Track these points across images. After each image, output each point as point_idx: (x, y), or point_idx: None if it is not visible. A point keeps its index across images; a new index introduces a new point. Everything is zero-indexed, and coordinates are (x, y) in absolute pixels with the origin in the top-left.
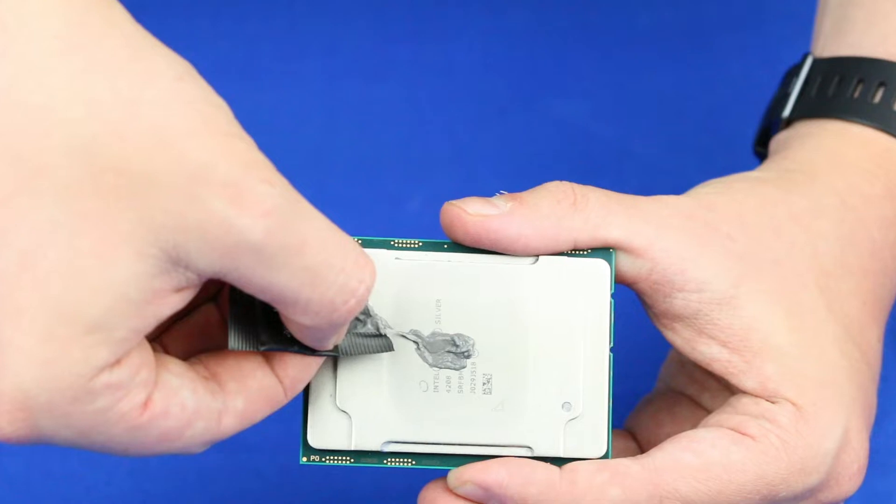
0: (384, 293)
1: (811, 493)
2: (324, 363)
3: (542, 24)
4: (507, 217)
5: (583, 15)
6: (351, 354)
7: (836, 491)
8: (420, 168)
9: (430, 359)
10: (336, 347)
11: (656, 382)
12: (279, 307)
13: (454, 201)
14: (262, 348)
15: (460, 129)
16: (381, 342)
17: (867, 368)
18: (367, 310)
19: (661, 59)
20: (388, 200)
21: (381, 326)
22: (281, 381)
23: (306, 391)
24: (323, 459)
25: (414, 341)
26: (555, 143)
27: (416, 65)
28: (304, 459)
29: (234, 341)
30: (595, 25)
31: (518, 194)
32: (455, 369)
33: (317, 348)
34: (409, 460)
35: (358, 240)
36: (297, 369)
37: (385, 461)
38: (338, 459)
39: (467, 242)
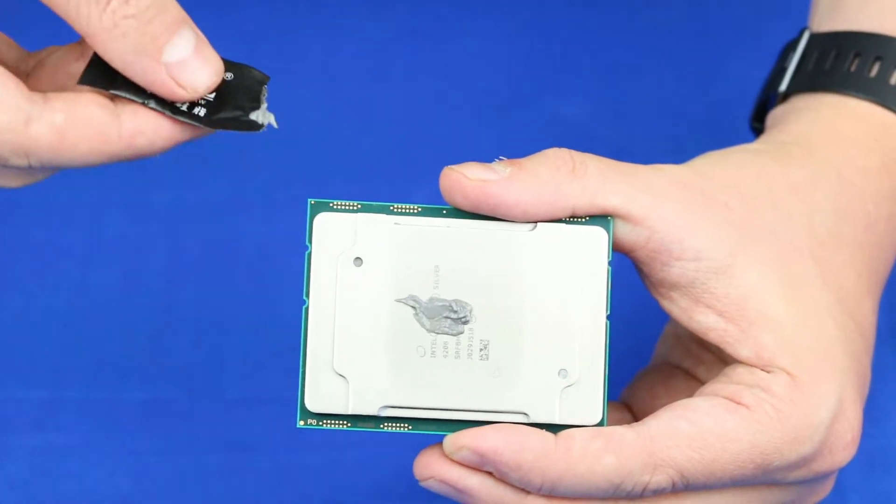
0: (383, 258)
1: (805, 462)
2: (320, 326)
3: (542, 24)
4: (506, 182)
5: (583, 15)
6: (214, 128)
7: (829, 460)
8: (420, 168)
9: (427, 324)
10: (199, 118)
11: (652, 357)
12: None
13: (454, 166)
14: (112, 90)
15: (460, 129)
16: (250, 124)
17: (861, 339)
18: (259, 98)
19: (661, 59)
20: (388, 200)
21: (258, 114)
22: (121, 127)
23: (304, 355)
24: (320, 423)
25: (412, 307)
26: (554, 143)
27: (416, 65)
28: (302, 423)
29: (85, 77)
30: (595, 25)
31: (517, 160)
32: (452, 335)
33: (143, 84)
34: (406, 425)
35: (357, 204)
36: (145, 122)
37: (382, 426)
38: (335, 423)
39: (466, 207)
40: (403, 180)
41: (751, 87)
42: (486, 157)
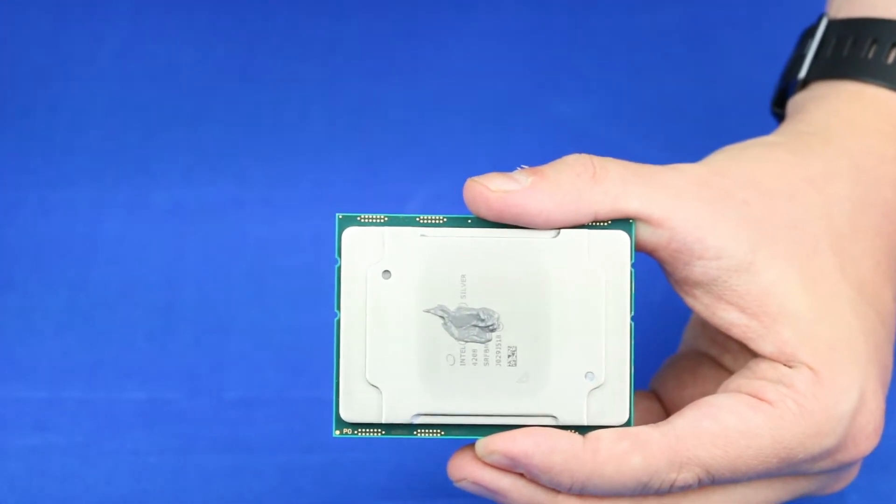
0: (411, 270)
1: (828, 454)
2: (352, 338)
3: (542, 24)
4: (529, 192)
5: (583, 15)
6: None
7: (853, 451)
8: (420, 168)
9: (456, 333)
10: None
11: (680, 344)
12: None
13: (476, 178)
14: None
15: (460, 129)
16: None
17: (882, 329)
18: None
19: (661, 59)
20: (389, 200)
21: None
22: None
23: (337, 366)
24: (355, 432)
25: (440, 316)
26: (555, 143)
27: (415, 65)
28: (337, 433)
29: None
30: (595, 25)
31: (538, 168)
32: (481, 342)
33: None
34: (438, 431)
35: (384, 217)
36: None
37: (415, 433)
38: (369, 432)
39: (490, 218)
40: (404, 180)
41: (751, 87)
42: (485, 156)
